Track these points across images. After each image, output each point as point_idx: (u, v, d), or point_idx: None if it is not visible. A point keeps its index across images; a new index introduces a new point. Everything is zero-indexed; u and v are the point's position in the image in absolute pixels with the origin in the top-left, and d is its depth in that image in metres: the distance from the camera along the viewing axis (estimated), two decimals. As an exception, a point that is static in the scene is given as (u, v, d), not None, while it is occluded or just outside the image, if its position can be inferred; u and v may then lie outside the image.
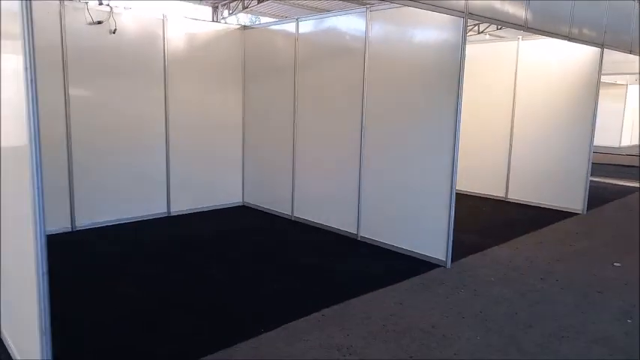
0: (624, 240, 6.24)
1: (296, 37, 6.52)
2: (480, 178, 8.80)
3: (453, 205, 4.98)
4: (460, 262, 5.23)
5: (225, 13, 15.38)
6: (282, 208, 7.00)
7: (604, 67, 12.96)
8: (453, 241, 5.06)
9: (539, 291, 4.47)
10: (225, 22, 7.00)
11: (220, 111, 7.30)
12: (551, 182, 7.89)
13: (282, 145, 6.85)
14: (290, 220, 6.85)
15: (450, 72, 4.83)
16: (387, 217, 5.67)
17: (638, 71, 12.83)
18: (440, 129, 5.01)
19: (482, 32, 25.19)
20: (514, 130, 8.28)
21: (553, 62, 7.79)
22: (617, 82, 19.24)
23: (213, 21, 14.07)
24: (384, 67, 5.54)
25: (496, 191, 8.58)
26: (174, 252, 5.45)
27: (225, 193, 7.50)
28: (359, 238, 5.94)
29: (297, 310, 3.92)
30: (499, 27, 22.43)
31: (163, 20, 6.42)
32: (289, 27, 6.64)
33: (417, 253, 5.31)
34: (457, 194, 8.72)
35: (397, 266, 5.10)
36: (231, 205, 7.54)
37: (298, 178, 6.74)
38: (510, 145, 8.35)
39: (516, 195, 8.35)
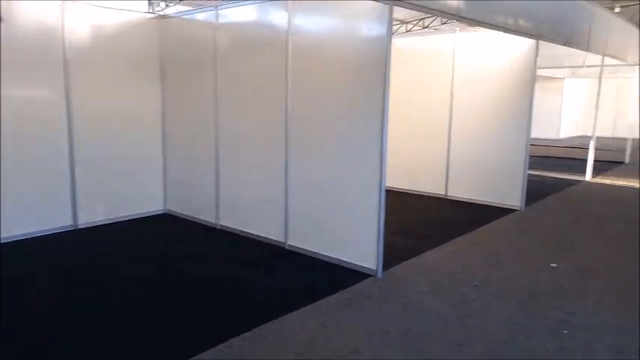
0: (561, 237, 6.08)
1: (215, 27, 5.93)
2: (420, 175, 8.55)
3: (383, 208, 4.57)
4: (392, 270, 4.85)
5: (162, 4, 14.45)
6: (206, 215, 6.40)
7: (543, 60, 13.11)
8: (386, 246, 4.67)
9: (472, 301, 4.14)
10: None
11: (136, 108, 6.59)
12: (490, 178, 7.70)
13: (205, 145, 6.26)
14: (215, 228, 6.26)
15: (376, 65, 4.39)
16: (315, 224, 5.21)
17: (573, 65, 13.05)
18: (367, 126, 4.57)
19: (427, 27, 25.30)
20: (452, 125, 8.04)
21: (490, 55, 7.59)
22: (556, 76, 19.72)
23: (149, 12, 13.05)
24: (309, 60, 5.06)
25: (436, 189, 8.34)
26: (68, 273, 4.76)
27: (145, 200, 6.81)
28: (287, 248, 5.45)
29: (202, 342, 3.38)
30: (444, 21, 22.59)
31: (62, 6, 5.66)
32: (208, 16, 6.04)
33: (346, 262, 4.88)
34: (397, 193, 8.54)
35: (325, 279, 4.66)
36: (152, 213, 6.86)
37: (223, 183, 6.17)
38: (449, 140, 8.11)
39: (456, 192, 8.12)
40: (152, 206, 6.87)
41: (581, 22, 8.37)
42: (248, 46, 5.71)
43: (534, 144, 16.81)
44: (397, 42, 8.64)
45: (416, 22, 22.22)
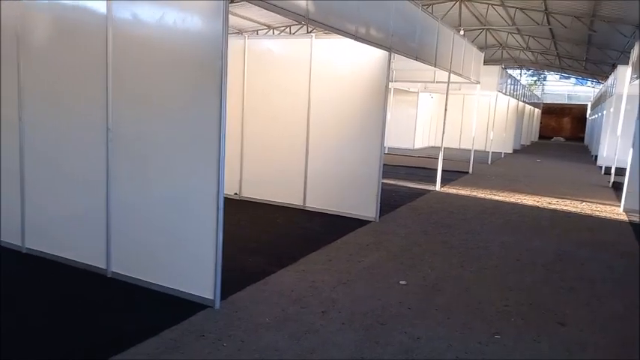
0: (411, 250, 6.05)
1: (18, 6, 4.79)
2: (277, 185, 8.11)
3: (221, 225, 3.95)
4: (234, 298, 4.26)
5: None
6: (8, 237, 5.17)
7: (400, 74, 13.65)
8: (231, 268, 4.12)
9: (317, 331, 3.72)
10: None
11: None
12: (346, 188, 7.55)
13: (6, 152, 5.05)
14: (20, 253, 5.07)
15: (210, 64, 3.78)
16: (143, 246, 4.41)
17: (424, 80, 13.86)
18: (202, 133, 3.93)
19: (294, 34, 25.44)
20: (310, 133, 7.75)
21: (345, 64, 7.44)
22: (411, 90, 21.07)
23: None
24: (133, 55, 4.24)
25: (294, 200, 7.97)
26: None
27: None
28: (110, 275, 4.55)
29: None
30: (311, 29, 22.82)
31: None
32: (10, -8, 4.88)
33: (179, 292, 4.17)
34: (253, 204, 8.03)
35: (150, 315, 3.89)
36: None
37: (30, 198, 5.02)
38: (307, 149, 7.80)
39: (314, 203, 7.83)
40: None
41: (429, 39, 8.70)
42: (60, 34, 4.68)
43: (392, 153, 17.76)
44: (251, 44, 8.14)
45: (283, 28, 21.95)
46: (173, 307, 3.99)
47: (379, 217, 7.38)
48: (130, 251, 4.46)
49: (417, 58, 8.11)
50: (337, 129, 7.55)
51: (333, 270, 5.11)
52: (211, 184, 3.91)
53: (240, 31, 21.04)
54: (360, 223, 7.14)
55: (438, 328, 3.88)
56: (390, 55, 6.98)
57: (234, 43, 8.08)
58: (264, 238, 6.26)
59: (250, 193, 8.27)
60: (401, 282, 4.86)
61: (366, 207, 7.39)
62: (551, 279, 5.21)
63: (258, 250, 5.65)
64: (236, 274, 4.75)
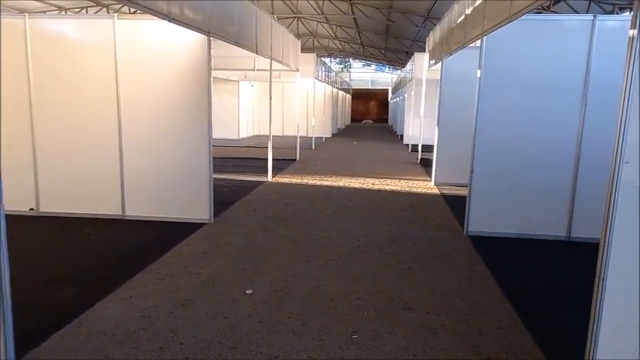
0: (253, 251, 5.63)
1: None
2: (88, 192, 6.86)
3: (5, 258, 2.93)
4: (38, 352, 3.28)
5: None
6: None
7: (220, 62, 12.99)
8: (31, 309, 3.17)
9: (156, 377, 3.05)
10: None
11: None
12: (173, 189, 6.74)
13: None
14: None
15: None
16: None
17: (245, 67, 13.47)
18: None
19: (118, 11, 22.39)
20: (123, 130, 6.68)
21: (161, 49, 6.57)
22: (231, 78, 20.50)
23: None
24: None
25: (111, 209, 6.83)
26: None
27: None
28: None
29: None
30: (136, 10, 20.28)
31: None
32: None
33: (-49, 361, 3.04)
34: (59, 220, 6.63)
35: None
36: None
37: None
38: (121, 148, 6.72)
39: (136, 211, 6.82)
40: None
41: (249, 24, 8.28)
42: None
43: (218, 145, 17.01)
44: (36, 25, 6.65)
45: (78, 10, 19.25)
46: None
47: (214, 217, 6.77)
48: None
49: (237, 44, 7.61)
50: (156, 121, 6.67)
51: (168, 290, 4.39)
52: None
53: (21, 12, 17.73)
54: (194, 227, 6.44)
55: (294, 340, 3.53)
56: (210, 40, 6.35)
57: (8, 24, 6.50)
58: (76, 262, 5.15)
59: (52, 206, 6.84)
60: (247, 291, 4.40)
61: (198, 208, 6.71)
62: (391, 262, 5.32)
63: (68, 280, 4.58)
64: (39, 317, 3.74)
